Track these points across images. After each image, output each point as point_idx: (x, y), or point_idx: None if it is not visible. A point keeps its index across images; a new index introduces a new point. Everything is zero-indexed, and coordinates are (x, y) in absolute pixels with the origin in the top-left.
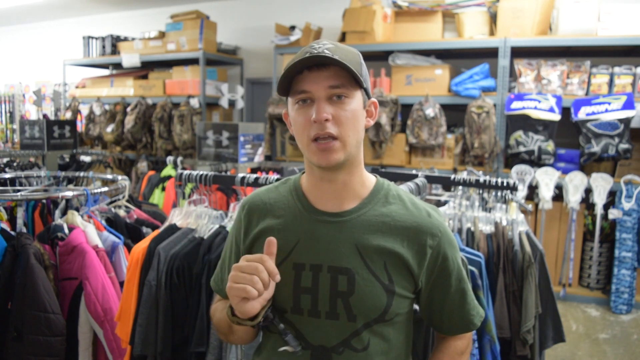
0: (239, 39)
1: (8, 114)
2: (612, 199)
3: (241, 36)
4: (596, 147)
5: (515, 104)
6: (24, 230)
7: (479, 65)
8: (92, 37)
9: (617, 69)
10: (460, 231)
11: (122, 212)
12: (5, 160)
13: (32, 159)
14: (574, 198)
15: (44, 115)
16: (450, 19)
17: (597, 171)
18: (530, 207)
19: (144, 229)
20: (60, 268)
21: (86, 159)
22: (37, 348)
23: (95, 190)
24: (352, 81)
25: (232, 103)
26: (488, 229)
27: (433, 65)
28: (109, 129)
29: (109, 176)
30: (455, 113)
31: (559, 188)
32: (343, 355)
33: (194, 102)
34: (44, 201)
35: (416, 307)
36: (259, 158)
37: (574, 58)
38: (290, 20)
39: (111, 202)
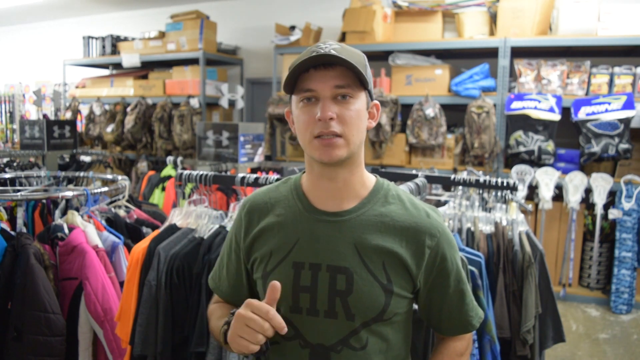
0: (239, 39)
1: (8, 114)
2: (612, 199)
3: (241, 36)
4: (596, 147)
5: (515, 104)
6: (24, 230)
7: (479, 65)
8: (92, 37)
9: (617, 69)
10: (460, 231)
11: (122, 212)
12: (5, 160)
13: (32, 159)
14: (574, 198)
15: (44, 115)
16: (450, 19)
17: (597, 171)
18: (530, 207)
19: (144, 229)
20: (60, 268)
21: (86, 159)
22: (37, 348)
23: (95, 190)
24: (357, 82)
25: (232, 103)
26: (488, 229)
27: (433, 65)
28: (109, 129)
29: (109, 176)
30: (455, 113)
31: (559, 188)
32: (341, 354)
33: (194, 102)
34: (44, 201)
35: (416, 307)
36: (259, 158)
37: (574, 58)
38: (290, 20)
39: (111, 202)
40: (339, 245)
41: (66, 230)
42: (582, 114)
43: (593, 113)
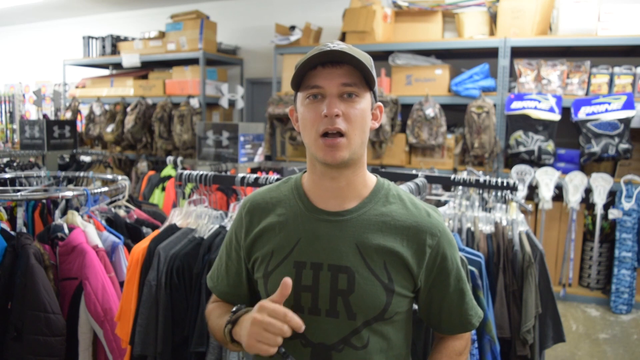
0: (239, 39)
1: (8, 114)
2: (612, 199)
3: (241, 36)
4: (596, 147)
5: (515, 104)
6: (24, 230)
7: (479, 65)
8: (92, 37)
9: (617, 69)
10: (460, 231)
11: (122, 212)
12: (5, 160)
13: (32, 159)
14: (574, 198)
15: (44, 115)
16: (450, 19)
17: (597, 171)
18: (530, 207)
19: (144, 229)
20: (60, 268)
21: (86, 159)
22: (37, 348)
23: (95, 190)
24: (363, 81)
25: (232, 103)
26: (488, 229)
27: (433, 65)
28: (109, 129)
29: (109, 176)
30: (455, 113)
31: (559, 188)
32: (343, 353)
33: (194, 102)
34: (44, 201)
35: (416, 307)
36: (259, 158)
37: (574, 58)
38: (290, 20)
39: (111, 202)
40: (340, 245)
41: (66, 230)
42: (582, 114)
43: (593, 113)
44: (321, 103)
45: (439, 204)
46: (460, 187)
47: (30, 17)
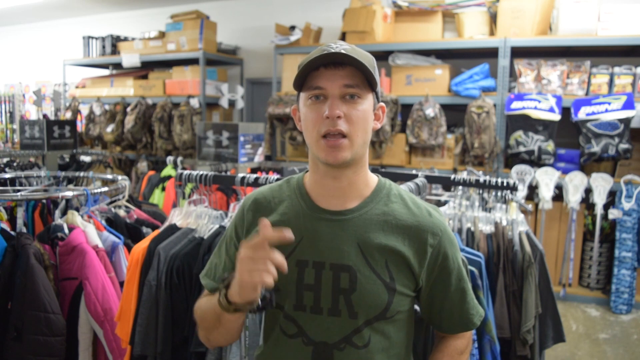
0: (239, 39)
1: (8, 114)
2: (612, 199)
3: (241, 36)
4: (596, 147)
5: (515, 104)
6: (24, 230)
7: (479, 65)
8: (92, 37)
9: (617, 69)
10: (460, 231)
11: (122, 212)
12: (5, 160)
13: (32, 159)
14: (574, 198)
15: (44, 115)
16: (450, 19)
17: (597, 171)
18: (530, 207)
19: (144, 229)
20: (60, 268)
21: (86, 159)
22: (37, 348)
23: (95, 190)
24: (366, 82)
25: (232, 103)
26: (488, 229)
27: (433, 65)
28: (109, 129)
29: (109, 176)
30: (455, 113)
31: (559, 188)
32: (344, 352)
33: (194, 102)
34: (44, 201)
35: (417, 307)
36: (259, 158)
37: (574, 58)
38: (290, 20)
39: (111, 202)
40: (342, 244)
41: (66, 230)
42: (582, 114)
43: (593, 113)
44: (323, 104)
45: (439, 204)
46: (460, 187)
47: (30, 17)
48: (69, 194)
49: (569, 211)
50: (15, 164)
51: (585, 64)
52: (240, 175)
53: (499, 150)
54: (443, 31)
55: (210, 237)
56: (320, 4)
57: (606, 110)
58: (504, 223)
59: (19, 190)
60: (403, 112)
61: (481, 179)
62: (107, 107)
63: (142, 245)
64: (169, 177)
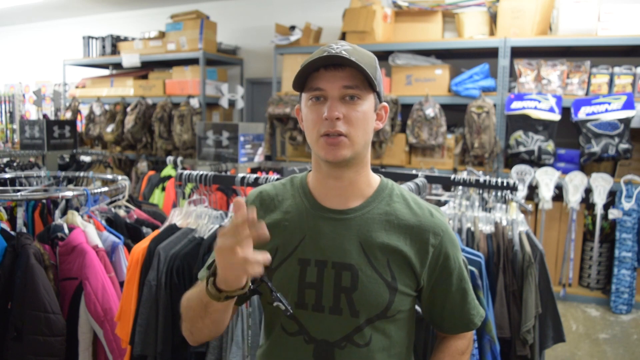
0: (239, 39)
1: (8, 114)
2: (612, 199)
3: (241, 36)
4: (596, 147)
5: (515, 104)
6: (24, 230)
7: (479, 65)
8: (92, 37)
9: (617, 69)
10: (460, 231)
11: (122, 212)
12: (5, 160)
13: (32, 159)
14: (574, 198)
15: (44, 115)
16: (450, 19)
17: (597, 171)
18: (530, 207)
19: (144, 229)
20: (60, 268)
21: (86, 159)
22: (37, 348)
23: (95, 190)
24: (366, 83)
25: (232, 103)
26: (488, 229)
27: (433, 65)
28: (109, 129)
29: (109, 176)
30: (455, 113)
31: (559, 188)
32: (345, 350)
33: (194, 102)
34: (44, 201)
35: (417, 307)
36: (259, 158)
37: (574, 58)
38: (290, 20)
39: (111, 202)
40: (344, 243)
41: (66, 230)
42: (582, 114)
43: (593, 113)
44: (323, 105)
45: (439, 204)
46: (460, 187)
47: (30, 17)
48: (69, 194)
49: (569, 211)
50: (15, 164)
51: (585, 64)
52: (240, 175)
53: (499, 150)
54: (443, 31)
55: (210, 237)
56: (320, 4)
57: (606, 110)
58: (504, 223)
59: (19, 190)
60: (403, 112)
61: (481, 179)
62: (107, 107)
63: (142, 245)
64: (169, 177)
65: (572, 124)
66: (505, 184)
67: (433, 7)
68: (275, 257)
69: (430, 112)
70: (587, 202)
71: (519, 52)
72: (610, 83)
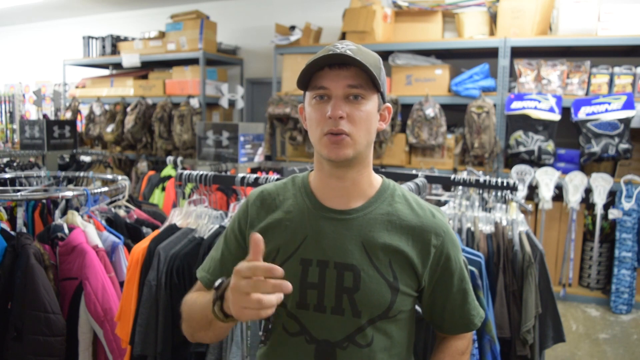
0: (239, 39)
1: (8, 114)
2: (612, 199)
3: (241, 36)
4: (596, 147)
5: (515, 104)
6: (24, 230)
7: (479, 65)
8: (92, 37)
9: (617, 69)
10: (460, 231)
11: (122, 212)
12: (5, 160)
13: (32, 159)
14: (574, 198)
15: (44, 115)
16: (450, 19)
17: (597, 171)
18: (530, 207)
19: (144, 229)
20: (60, 268)
21: (86, 159)
22: (37, 348)
23: (95, 190)
24: (370, 83)
25: (232, 103)
26: (488, 229)
27: (433, 65)
28: (109, 129)
29: (109, 176)
30: (455, 113)
31: (559, 188)
32: (347, 351)
33: (194, 102)
34: (44, 201)
35: (417, 308)
36: (259, 158)
37: (574, 58)
38: (290, 20)
39: (111, 202)
40: (346, 243)
41: (66, 230)
42: (582, 114)
43: (593, 113)
44: (327, 104)
45: (439, 204)
46: (460, 187)
47: (30, 17)
48: (69, 194)
49: (569, 211)
50: (15, 164)
51: (585, 64)
52: (240, 175)
53: (499, 150)
54: (443, 31)
55: (210, 237)
56: (320, 4)
57: (606, 110)
58: (504, 223)
59: (19, 190)
60: (403, 112)
61: (481, 179)
62: (107, 107)
63: (142, 245)
64: (169, 177)
65: (572, 124)
66: (505, 184)
67: (433, 7)
68: (277, 257)
69: (430, 112)
70: (587, 202)
71: (519, 52)
72: (610, 83)
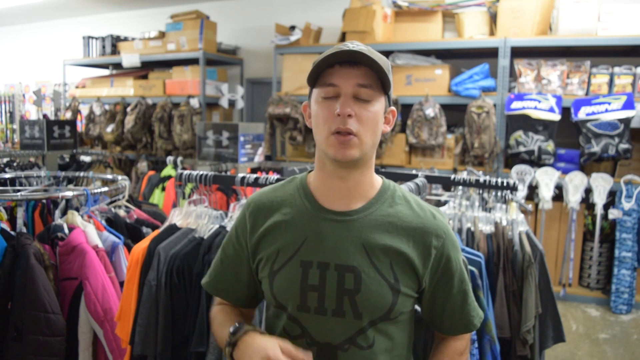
0: (239, 39)
1: (8, 114)
2: (612, 199)
3: (241, 36)
4: (596, 147)
5: (515, 104)
6: (24, 230)
7: (479, 65)
8: (92, 37)
9: (617, 69)
10: (460, 231)
11: (122, 212)
12: (5, 160)
13: (32, 159)
14: (574, 198)
15: (44, 115)
16: (450, 19)
17: (597, 171)
18: (530, 207)
19: (144, 229)
20: (60, 268)
21: (86, 159)
22: (37, 348)
23: (95, 190)
24: (379, 84)
25: (232, 103)
26: (488, 229)
27: (433, 65)
28: (109, 129)
29: (109, 176)
30: (455, 113)
31: (559, 188)
32: (348, 353)
33: (194, 102)
34: (44, 201)
35: (417, 307)
36: (259, 158)
37: (574, 58)
38: (290, 20)
39: (111, 202)
40: (347, 245)
41: (66, 230)
42: (582, 114)
43: (593, 113)
44: (335, 102)
45: (439, 204)
46: (460, 187)
47: (30, 17)
48: (69, 194)
49: (569, 211)
50: (15, 164)
51: (585, 64)
52: (240, 175)
53: (499, 150)
54: (443, 31)
55: (210, 237)
56: (320, 4)
57: (606, 110)
58: (504, 223)
59: (19, 190)
60: (403, 112)
61: (481, 179)
62: (107, 107)
63: (142, 245)
64: (169, 177)
65: (572, 124)
66: (505, 184)
67: (433, 7)
68: (277, 260)
69: (430, 112)
70: (587, 202)
71: (519, 52)
72: (610, 83)
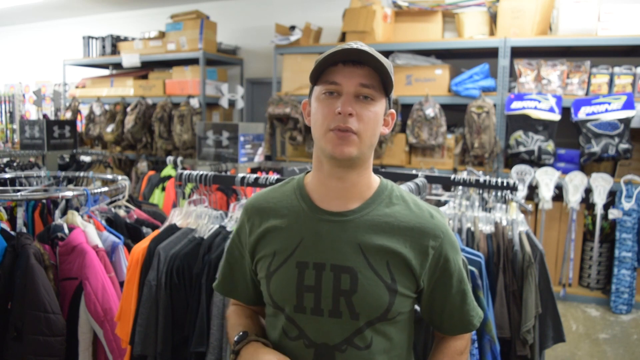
0: (239, 39)
1: (8, 114)
2: (612, 199)
3: (241, 36)
4: (596, 147)
5: (515, 104)
6: (24, 230)
7: (479, 65)
8: (92, 37)
9: (617, 69)
10: (460, 231)
11: (122, 212)
12: (5, 160)
13: (32, 159)
14: (574, 198)
15: (44, 115)
16: (450, 19)
17: (597, 171)
18: (530, 207)
19: (144, 229)
20: (60, 268)
21: (86, 159)
22: (37, 348)
23: (95, 190)
24: (380, 86)
25: (232, 103)
26: (488, 229)
27: (433, 65)
28: (109, 129)
29: (109, 176)
30: (455, 113)
31: (559, 188)
32: (346, 353)
33: (194, 102)
34: (44, 201)
35: (416, 307)
36: (259, 158)
37: (574, 58)
38: (290, 20)
39: (111, 202)
40: (343, 245)
41: (66, 230)
42: (582, 114)
43: (593, 113)
44: (336, 100)
45: (439, 204)
46: (460, 187)
47: (30, 17)
48: (69, 194)
49: (569, 211)
50: (15, 164)
51: (585, 64)
52: (240, 175)
53: (499, 150)
54: (443, 31)
55: (210, 237)
56: (320, 4)
57: (606, 110)
58: (504, 223)
59: (19, 190)
60: (403, 112)
61: (481, 179)
62: (107, 107)
63: (142, 245)
64: (169, 177)
65: (572, 124)
66: (505, 184)
67: (433, 7)
68: (273, 261)
69: (430, 112)
70: (587, 202)
71: (519, 52)
72: (610, 83)
